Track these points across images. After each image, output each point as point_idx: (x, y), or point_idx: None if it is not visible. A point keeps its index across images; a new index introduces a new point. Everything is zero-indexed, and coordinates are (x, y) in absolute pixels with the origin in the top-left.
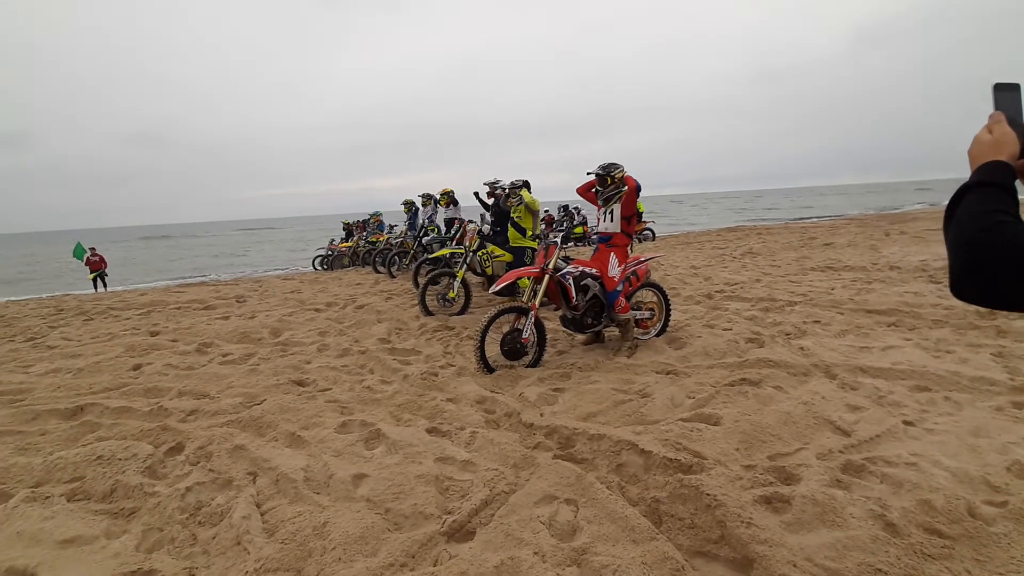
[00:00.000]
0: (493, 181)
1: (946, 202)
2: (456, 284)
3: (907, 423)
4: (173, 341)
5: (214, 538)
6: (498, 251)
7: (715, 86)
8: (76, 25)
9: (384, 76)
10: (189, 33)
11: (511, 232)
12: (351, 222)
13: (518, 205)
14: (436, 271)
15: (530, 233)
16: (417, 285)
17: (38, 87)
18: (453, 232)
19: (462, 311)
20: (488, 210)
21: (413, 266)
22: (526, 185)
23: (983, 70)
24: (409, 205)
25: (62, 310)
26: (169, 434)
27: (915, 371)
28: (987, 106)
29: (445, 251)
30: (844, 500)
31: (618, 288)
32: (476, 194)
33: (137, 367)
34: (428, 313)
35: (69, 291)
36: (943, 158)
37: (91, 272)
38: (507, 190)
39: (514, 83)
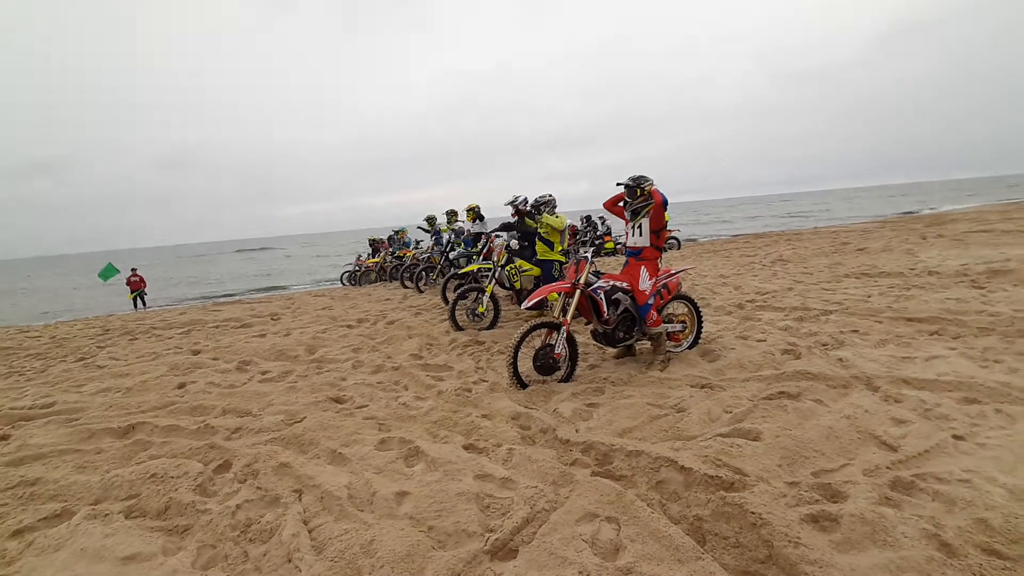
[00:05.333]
0: (513, 200)
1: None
2: (485, 299)
3: (957, 437)
4: (214, 359)
5: (265, 555)
6: (526, 265)
7: (736, 90)
8: (105, 51)
9: (409, 93)
10: (216, 57)
11: (539, 246)
12: (376, 239)
13: (545, 226)
14: (465, 286)
15: (558, 248)
16: (446, 300)
17: (72, 115)
18: (480, 247)
19: (491, 326)
20: (514, 229)
21: (441, 281)
22: (550, 202)
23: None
24: (432, 220)
25: (108, 330)
26: (216, 452)
27: (962, 382)
28: None
29: (474, 266)
30: (895, 519)
31: (649, 302)
32: (506, 222)
33: (182, 385)
34: (458, 328)
35: (113, 311)
36: (986, 154)
37: (131, 292)
38: (530, 207)
39: (536, 96)
